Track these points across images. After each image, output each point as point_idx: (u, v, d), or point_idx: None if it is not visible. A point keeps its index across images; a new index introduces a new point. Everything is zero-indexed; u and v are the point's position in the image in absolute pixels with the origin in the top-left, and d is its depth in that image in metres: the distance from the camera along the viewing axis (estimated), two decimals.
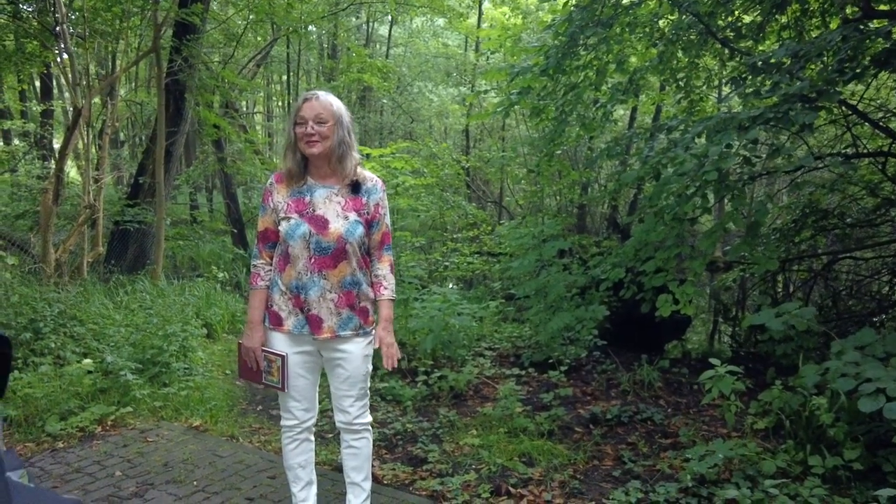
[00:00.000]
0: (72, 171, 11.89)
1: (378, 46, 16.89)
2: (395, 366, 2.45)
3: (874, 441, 2.99)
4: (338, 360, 2.42)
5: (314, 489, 2.66)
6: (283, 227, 2.33)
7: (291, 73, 15.02)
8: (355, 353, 2.41)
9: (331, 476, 3.23)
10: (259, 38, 12.50)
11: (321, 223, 2.31)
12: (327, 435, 3.79)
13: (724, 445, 3.01)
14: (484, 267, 9.47)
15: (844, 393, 2.90)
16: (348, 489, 2.61)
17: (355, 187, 2.37)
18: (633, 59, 6.73)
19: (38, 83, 13.96)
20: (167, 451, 3.53)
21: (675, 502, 2.84)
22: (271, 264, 2.43)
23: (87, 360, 4.39)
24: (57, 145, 14.29)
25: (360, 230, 2.35)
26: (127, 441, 3.64)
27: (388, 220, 2.48)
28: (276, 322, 2.40)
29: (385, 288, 2.46)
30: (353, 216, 2.34)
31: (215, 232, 13.12)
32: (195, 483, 3.16)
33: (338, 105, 2.31)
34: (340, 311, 2.36)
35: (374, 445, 3.39)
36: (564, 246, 5.82)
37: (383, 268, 2.47)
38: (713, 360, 3.27)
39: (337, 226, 2.31)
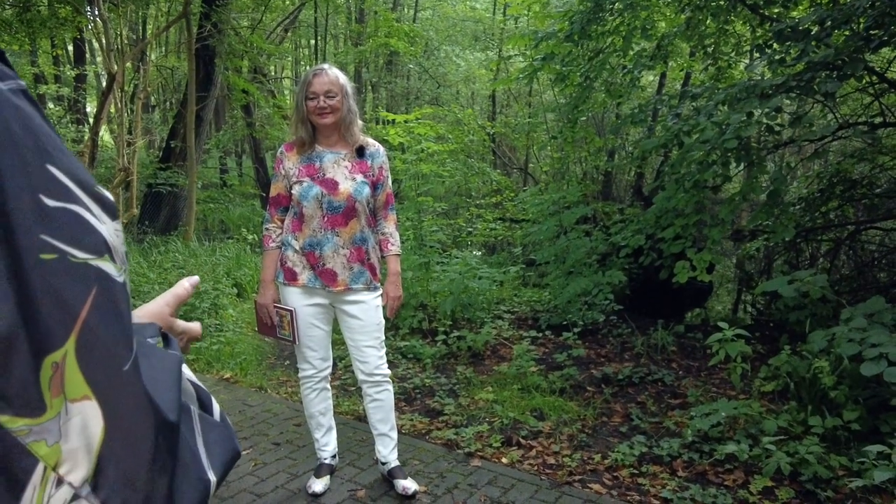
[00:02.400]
0: (105, 136, 12.17)
1: (406, 10, 16.75)
2: (394, 315, 2.70)
3: (878, 405, 3.07)
4: (351, 312, 2.59)
5: (334, 434, 2.88)
6: (296, 189, 2.51)
7: (319, 38, 15.04)
8: (367, 302, 2.58)
9: (352, 425, 3.43)
10: (287, 3, 12.54)
11: (331, 185, 2.49)
12: (350, 388, 3.99)
13: (727, 405, 3.12)
14: (507, 233, 9.54)
15: (848, 357, 2.98)
16: (377, 440, 2.80)
17: (360, 152, 2.57)
18: (661, 25, 6.64)
19: (71, 48, 14.19)
20: None
21: (677, 456, 2.97)
22: (282, 227, 2.62)
23: None
24: (90, 109, 14.62)
25: (367, 190, 2.54)
26: None
27: (390, 181, 2.67)
28: (291, 277, 2.57)
29: (392, 244, 2.65)
30: (360, 177, 2.53)
31: (245, 195, 13.40)
32: None
33: (343, 78, 2.50)
34: (352, 265, 2.53)
35: (394, 398, 3.58)
36: (585, 212, 5.86)
37: (389, 226, 2.66)
38: (721, 324, 3.36)
39: (346, 186, 2.49)
